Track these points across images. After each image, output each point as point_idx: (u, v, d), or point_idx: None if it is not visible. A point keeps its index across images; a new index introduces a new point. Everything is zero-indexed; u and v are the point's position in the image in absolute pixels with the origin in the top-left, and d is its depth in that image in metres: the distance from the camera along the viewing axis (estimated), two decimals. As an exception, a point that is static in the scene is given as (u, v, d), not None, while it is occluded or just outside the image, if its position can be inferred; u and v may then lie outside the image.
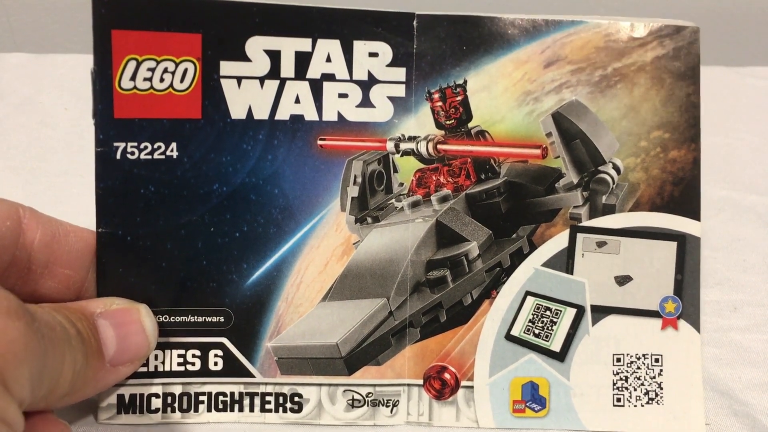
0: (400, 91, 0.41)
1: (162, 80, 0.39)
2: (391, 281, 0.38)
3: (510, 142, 0.41)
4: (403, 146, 0.42)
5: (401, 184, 0.44)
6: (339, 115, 0.41)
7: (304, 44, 0.41)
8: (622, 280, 0.42)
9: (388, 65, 0.41)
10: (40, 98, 0.70)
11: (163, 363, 0.40)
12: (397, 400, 0.40)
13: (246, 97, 0.40)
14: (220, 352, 0.40)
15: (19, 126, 0.65)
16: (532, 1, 0.81)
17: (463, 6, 0.85)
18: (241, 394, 0.40)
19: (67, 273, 0.38)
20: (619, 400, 0.41)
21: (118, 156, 0.39)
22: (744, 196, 0.62)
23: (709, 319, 0.48)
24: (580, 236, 0.42)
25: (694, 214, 0.42)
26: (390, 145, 0.42)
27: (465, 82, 0.42)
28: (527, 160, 0.41)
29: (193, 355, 0.40)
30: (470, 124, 0.43)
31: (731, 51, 0.92)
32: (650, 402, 0.41)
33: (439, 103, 0.42)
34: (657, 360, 0.41)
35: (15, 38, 0.84)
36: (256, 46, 0.40)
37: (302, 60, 0.41)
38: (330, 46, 0.41)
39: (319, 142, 0.42)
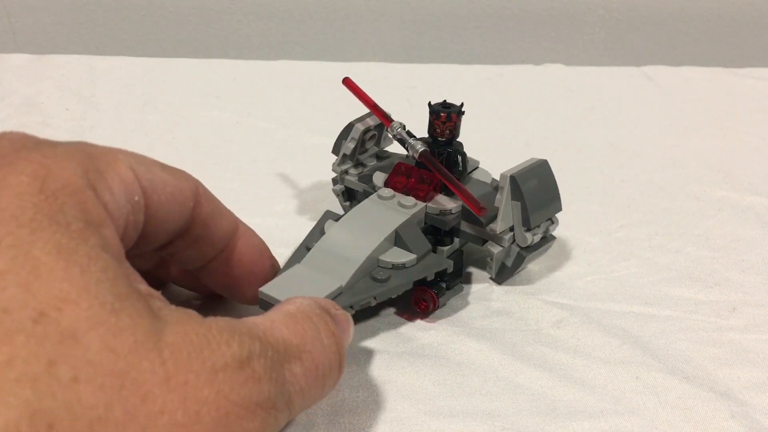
0: None
1: None
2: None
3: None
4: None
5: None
6: None
7: None
8: None
9: None
10: (41, 99, 0.70)
11: None
12: None
13: None
14: None
15: (21, 126, 0.65)
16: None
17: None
18: None
19: (206, 250, 0.40)
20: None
21: None
22: (743, 197, 0.62)
23: (707, 319, 0.47)
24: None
25: None
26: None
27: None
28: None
29: None
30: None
31: (731, 51, 0.92)
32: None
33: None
34: None
35: (16, 39, 0.84)
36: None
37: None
38: None
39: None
